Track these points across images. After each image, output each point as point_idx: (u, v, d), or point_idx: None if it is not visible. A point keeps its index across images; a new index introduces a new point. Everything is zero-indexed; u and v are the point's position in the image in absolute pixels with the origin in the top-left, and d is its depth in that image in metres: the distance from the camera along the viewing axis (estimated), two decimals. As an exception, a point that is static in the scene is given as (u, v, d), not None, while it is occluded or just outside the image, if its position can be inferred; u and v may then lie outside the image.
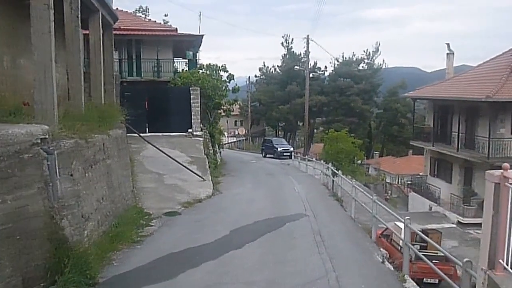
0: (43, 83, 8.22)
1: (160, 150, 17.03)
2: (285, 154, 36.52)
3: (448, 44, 28.64)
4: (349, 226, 12.10)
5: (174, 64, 26.98)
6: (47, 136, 7.07)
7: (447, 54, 28.88)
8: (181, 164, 16.67)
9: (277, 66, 60.92)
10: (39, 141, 6.83)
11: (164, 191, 14.68)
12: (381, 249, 9.99)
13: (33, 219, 6.42)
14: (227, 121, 50.10)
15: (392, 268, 8.55)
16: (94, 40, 12.90)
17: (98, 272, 7.25)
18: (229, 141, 57.62)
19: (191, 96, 22.64)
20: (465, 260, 5.27)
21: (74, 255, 6.76)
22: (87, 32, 13.09)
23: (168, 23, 33.19)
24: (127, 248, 9.00)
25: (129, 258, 8.40)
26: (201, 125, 23.47)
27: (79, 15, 10.45)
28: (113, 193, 10.52)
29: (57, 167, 7.04)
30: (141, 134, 18.13)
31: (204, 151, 20.44)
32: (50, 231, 6.66)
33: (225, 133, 48.22)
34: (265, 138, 49.72)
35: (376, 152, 57.16)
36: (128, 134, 15.28)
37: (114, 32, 16.86)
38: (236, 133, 63.24)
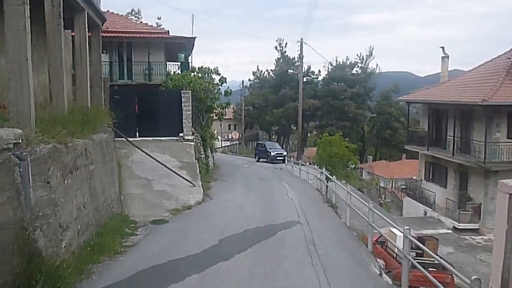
0: (18, 84, 7.70)
1: (149, 155, 16.49)
2: (278, 158, 36.10)
3: (443, 48, 28.41)
4: (344, 234, 11.65)
5: (166, 67, 26.47)
6: (20, 141, 6.57)
7: (442, 57, 28.64)
8: (170, 169, 16.16)
9: (271, 70, 60.79)
10: (10, 146, 6.32)
11: (152, 197, 14.16)
12: (378, 259, 9.54)
13: (2, 231, 5.90)
14: (220, 125, 49.65)
15: (391, 282, 8.11)
16: (80, 40, 12.46)
17: (74, 288, 6.75)
18: (223, 145, 57.13)
19: (183, 100, 22.14)
20: (473, 278, 4.84)
21: (48, 269, 6.26)
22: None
23: (161, 26, 32.71)
24: (109, 260, 8.47)
25: (110, 271, 7.87)
26: (193, 129, 22.96)
27: (61, 13, 9.97)
28: (96, 201, 10.00)
29: (30, 174, 6.53)
30: (131, 139, 17.60)
31: (195, 155, 19.94)
32: (21, 244, 6.13)
33: (219, 137, 47.71)
34: (258, 142, 49.23)
35: (369, 156, 56.95)
36: (117, 139, 14.81)
37: (104, 34, 16.40)
38: (230, 137, 62.78)
